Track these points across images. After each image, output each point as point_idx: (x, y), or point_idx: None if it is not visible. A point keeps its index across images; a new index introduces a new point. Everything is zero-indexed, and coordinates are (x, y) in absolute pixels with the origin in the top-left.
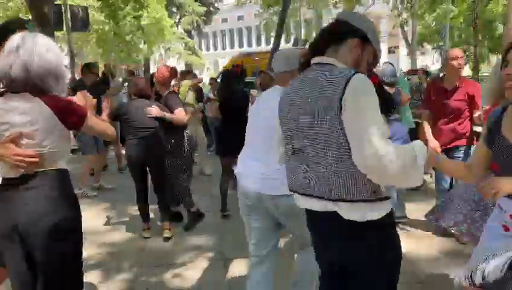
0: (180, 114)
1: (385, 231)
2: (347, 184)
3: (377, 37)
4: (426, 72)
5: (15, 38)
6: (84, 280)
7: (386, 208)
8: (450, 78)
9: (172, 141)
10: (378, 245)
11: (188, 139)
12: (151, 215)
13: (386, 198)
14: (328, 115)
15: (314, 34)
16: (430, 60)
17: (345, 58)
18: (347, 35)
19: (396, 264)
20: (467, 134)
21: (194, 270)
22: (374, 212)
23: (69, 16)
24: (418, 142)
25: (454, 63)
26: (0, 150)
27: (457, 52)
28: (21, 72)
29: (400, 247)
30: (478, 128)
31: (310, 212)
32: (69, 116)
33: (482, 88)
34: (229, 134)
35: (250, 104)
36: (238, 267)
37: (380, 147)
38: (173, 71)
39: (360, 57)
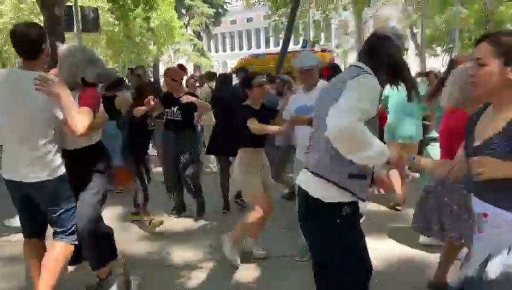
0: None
1: None
2: None
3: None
4: (435, 75)
5: None
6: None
7: None
8: None
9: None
10: None
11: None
12: (156, 216)
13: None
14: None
15: (322, 36)
16: (440, 63)
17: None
18: None
19: None
20: None
21: (199, 271)
22: None
23: (79, 17)
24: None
25: None
26: None
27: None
28: None
29: None
30: None
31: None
32: None
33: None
34: (220, 134)
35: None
36: (243, 268)
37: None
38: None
39: None
